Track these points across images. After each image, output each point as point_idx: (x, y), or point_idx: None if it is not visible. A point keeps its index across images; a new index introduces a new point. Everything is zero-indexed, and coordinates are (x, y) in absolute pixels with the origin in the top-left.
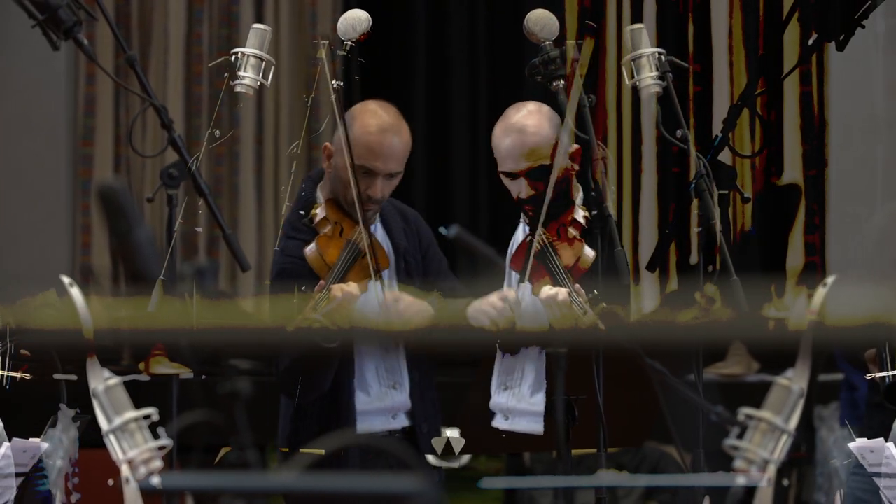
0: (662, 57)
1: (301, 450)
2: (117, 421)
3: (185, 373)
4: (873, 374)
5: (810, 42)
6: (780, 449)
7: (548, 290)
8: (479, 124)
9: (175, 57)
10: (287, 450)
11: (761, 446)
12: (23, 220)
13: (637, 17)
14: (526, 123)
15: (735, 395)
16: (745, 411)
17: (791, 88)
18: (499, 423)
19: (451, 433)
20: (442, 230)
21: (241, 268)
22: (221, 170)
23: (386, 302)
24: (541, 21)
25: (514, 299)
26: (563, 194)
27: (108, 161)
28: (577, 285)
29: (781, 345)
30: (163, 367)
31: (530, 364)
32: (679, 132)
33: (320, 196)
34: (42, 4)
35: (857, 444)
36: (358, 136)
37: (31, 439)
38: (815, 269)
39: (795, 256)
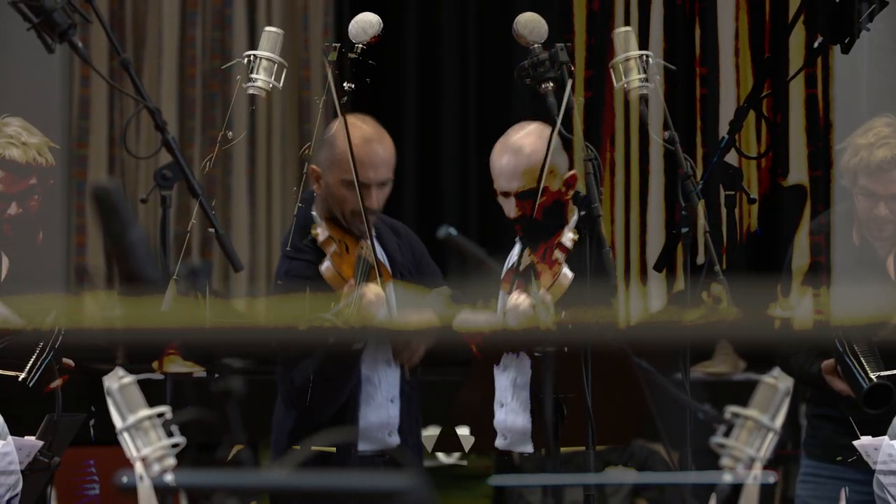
0: (650, 59)
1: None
2: (131, 419)
3: (199, 371)
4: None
5: (816, 45)
6: (766, 447)
7: (514, 298)
8: (469, 126)
9: (169, 59)
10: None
11: (748, 444)
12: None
13: (644, 19)
14: (523, 144)
15: (722, 394)
16: (731, 409)
17: (797, 91)
18: (499, 443)
19: (461, 431)
20: (451, 230)
21: (234, 268)
22: (215, 171)
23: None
24: (530, 24)
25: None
26: (554, 217)
27: (102, 162)
28: (549, 297)
29: (785, 344)
30: (176, 365)
31: (521, 378)
32: (667, 134)
33: (317, 216)
34: (37, 8)
35: (862, 441)
36: (343, 151)
37: (25, 437)
38: (820, 268)
39: (801, 256)
